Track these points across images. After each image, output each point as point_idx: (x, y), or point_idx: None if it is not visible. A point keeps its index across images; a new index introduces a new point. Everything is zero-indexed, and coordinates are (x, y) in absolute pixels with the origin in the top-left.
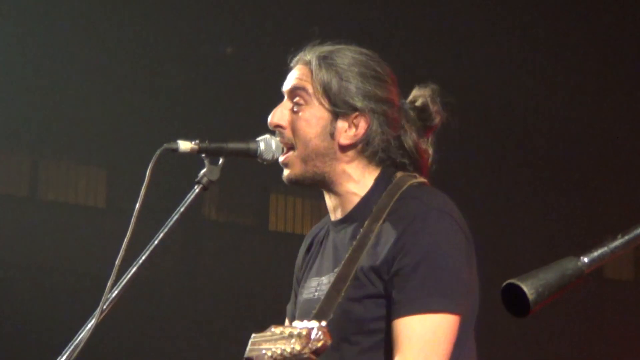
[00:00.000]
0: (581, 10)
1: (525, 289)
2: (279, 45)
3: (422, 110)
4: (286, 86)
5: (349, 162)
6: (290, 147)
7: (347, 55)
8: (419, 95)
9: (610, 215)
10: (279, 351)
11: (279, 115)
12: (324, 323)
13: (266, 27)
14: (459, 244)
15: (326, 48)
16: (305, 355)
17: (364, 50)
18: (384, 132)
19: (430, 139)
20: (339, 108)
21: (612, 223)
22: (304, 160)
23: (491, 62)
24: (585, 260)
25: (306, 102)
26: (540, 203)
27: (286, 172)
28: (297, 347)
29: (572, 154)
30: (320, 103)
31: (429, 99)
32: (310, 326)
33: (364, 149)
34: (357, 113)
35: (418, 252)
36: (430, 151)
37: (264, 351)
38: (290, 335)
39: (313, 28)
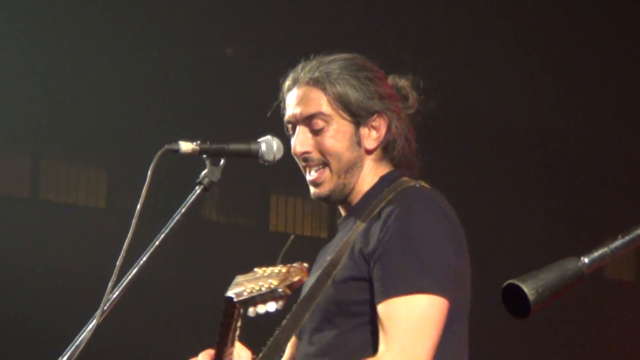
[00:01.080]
0: (573, 11)
1: (525, 289)
2: (280, 45)
3: (404, 99)
4: (295, 110)
5: (372, 167)
6: (323, 165)
7: (346, 64)
8: (400, 85)
9: (611, 215)
10: (257, 287)
11: (302, 142)
12: (305, 264)
13: (267, 27)
14: (445, 231)
15: (322, 64)
16: (280, 289)
17: (352, 55)
18: (401, 126)
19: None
20: (360, 117)
21: (613, 223)
22: (338, 174)
23: (492, 63)
24: (586, 260)
25: (327, 122)
26: (540, 204)
27: (317, 190)
28: (275, 282)
29: (573, 155)
30: (341, 117)
31: (408, 89)
32: (292, 265)
33: (387, 148)
34: (375, 116)
35: (403, 236)
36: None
37: (243, 288)
38: (271, 274)
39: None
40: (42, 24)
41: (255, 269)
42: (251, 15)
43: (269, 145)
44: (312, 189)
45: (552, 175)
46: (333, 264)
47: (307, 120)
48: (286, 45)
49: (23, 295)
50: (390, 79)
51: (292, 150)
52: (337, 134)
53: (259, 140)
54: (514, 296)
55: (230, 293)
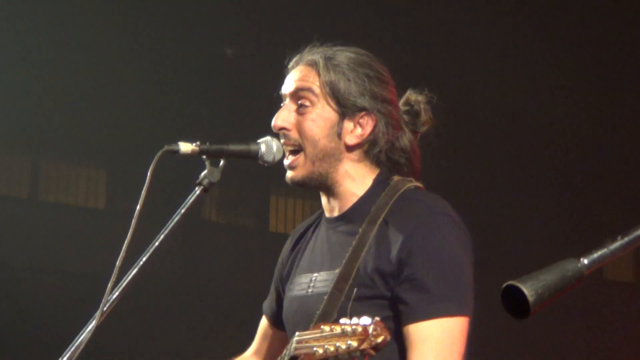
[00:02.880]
0: (576, 9)
1: (525, 290)
2: (280, 46)
3: (415, 116)
4: (288, 88)
5: (352, 162)
6: (297, 149)
7: (350, 57)
8: (413, 100)
9: (610, 216)
10: (332, 348)
11: (284, 117)
12: (378, 318)
13: (267, 27)
14: (463, 246)
15: (328, 49)
16: (366, 352)
17: (363, 51)
18: (388, 132)
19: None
20: (347, 108)
21: (612, 224)
22: (312, 161)
23: (493, 64)
24: (585, 261)
25: (312, 103)
26: (540, 204)
27: (291, 174)
28: (354, 344)
29: (572, 155)
30: (328, 103)
31: (422, 106)
32: (364, 323)
33: (369, 149)
34: (363, 113)
35: (428, 257)
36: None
37: (315, 349)
38: (344, 333)
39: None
40: (42, 24)
41: (321, 326)
42: (251, 15)
43: (268, 146)
44: (287, 173)
45: (552, 176)
46: (344, 278)
47: (296, 94)
48: (286, 46)
49: (23, 295)
50: (407, 93)
51: (272, 124)
52: (319, 118)
53: (259, 141)
54: (514, 297)
55: (298, 353)
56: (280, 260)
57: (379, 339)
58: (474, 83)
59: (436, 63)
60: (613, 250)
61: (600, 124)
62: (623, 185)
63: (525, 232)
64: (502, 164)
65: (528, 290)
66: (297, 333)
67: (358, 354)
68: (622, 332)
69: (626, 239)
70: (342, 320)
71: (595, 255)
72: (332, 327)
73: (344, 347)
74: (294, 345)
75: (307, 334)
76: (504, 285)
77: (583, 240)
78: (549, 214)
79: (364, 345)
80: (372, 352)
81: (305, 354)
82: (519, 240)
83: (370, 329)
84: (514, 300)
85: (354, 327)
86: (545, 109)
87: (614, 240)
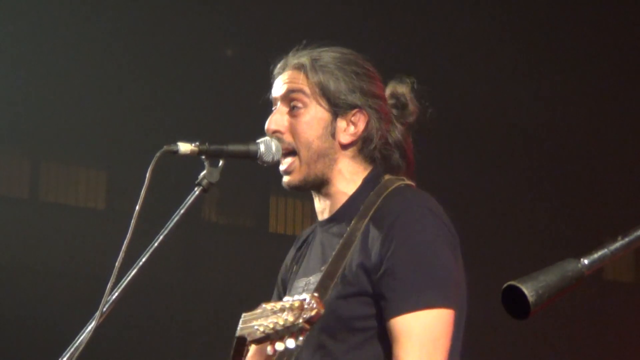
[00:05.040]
0: (572, 14)
1: (525, 290)
2: (280, 47)
3: (402, 108)
4: (279, 91)
5: (347, 161)
6: (291, 152)
7: (336, 56)
8: (399, 93)
9: (611, 216)
10: (271, 325)
11: (277, 120)
12: (316, 293)
13: (267, 28)
14: (444, 239)
15: (312, 51)
16: (300, 325)
17: (348, 50)
18: (381, 127)
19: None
20: (338, 107)
21: (612, 224)
22: (308, 163)
23: (493, 63)
24: (586, 262)
25: (304, 105)
26: (540, 205)
27: (287, 178)
28: (290, 318)
29: (572, 156)
30: (319, 104)
31: (408, 98)
32: (301, 298)
33: (363, 146)
34: (355, 110)
35: (406, 250)
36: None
37: (255, 327)
38: (282, 309)
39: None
40: (42, 25)
41: (263, 305)
42: (251, 15)
43: (267, 146)
44: (283, 178)
45: (552, 176)
46: (330, 276)
47: (288, 96)
48: (286, 47)
49: (23, 295)
50: (391, 86)
51: (266, 127)
52: (313, 119)
53: (258, 141)
54: (514, 298)
55: (242, 333)
56: (284, 265)
57: (313, 312)
58: (476, 83)
59: (436, 66)
60: (613, 251)
61: (600, 124)
62: (623, 186)
63: (525, 232)
64: (502, 163)
65: (528, 290)
66: (243, 314)
67: (295, 328)
68: (622, 332)
69: (626, 239)
70: (285, 298)
71: (596, 255)
72: (273, 305)
73: (281, 322)
74: (239, 326)
75: (250, 314)
76: (504, 285)
77: (583, 240)
78: (549, 214)
79: (299, 320)
80: (307, 326)
81: (248, 333)
82: (519, 240)
83: (305, 304)
84: (514, 301)
85: (291, 302)
86: (546, 109)
87: (614, 240)
